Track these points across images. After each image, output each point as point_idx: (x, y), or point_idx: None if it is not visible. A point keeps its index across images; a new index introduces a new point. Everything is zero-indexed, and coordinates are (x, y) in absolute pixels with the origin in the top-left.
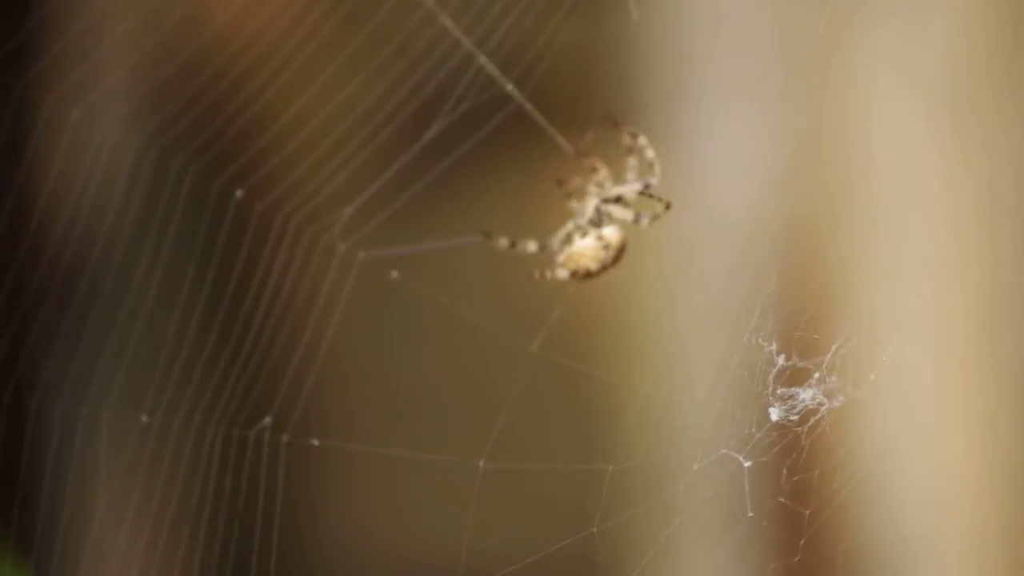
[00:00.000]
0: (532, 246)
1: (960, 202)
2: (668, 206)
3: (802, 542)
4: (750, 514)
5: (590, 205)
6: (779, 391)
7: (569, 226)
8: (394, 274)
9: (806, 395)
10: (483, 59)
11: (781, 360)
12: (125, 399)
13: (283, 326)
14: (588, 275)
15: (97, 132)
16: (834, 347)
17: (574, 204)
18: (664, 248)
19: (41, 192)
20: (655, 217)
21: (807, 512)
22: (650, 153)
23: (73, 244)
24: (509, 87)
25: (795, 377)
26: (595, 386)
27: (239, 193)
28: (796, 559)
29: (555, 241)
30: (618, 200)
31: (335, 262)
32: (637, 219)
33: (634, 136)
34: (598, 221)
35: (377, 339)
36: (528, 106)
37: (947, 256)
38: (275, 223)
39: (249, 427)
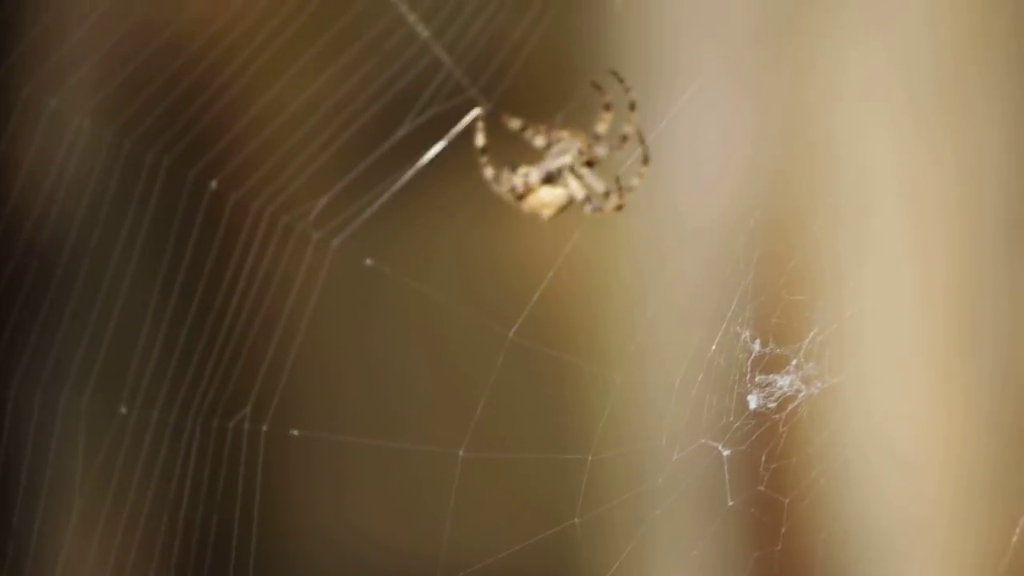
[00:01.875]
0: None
1: (942, 191)
2: (619, 207)
3: (783, 531)
4: (731, 503)
5: (559, 161)
6: (757, 378)
7: (530, 165)
8: (368, 261)
9: (784, 381)
10: (451, 64)
11: (757, 346)
12: (103, 390)
13: (258, 315)
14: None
15: (73, 121)
16: (812, 333)
17: (561, 139)
18: (639, 238)
19: (17, 179)
20: (597, 209)
21: (786, 500)
22: (627, 127)
23: (48, 232)
24: (473, 92)
25: (773, 364)
26: (575, 374)
27: (214, 184)
28: (777, 548)
29: (516, 177)
30: (582, 175)
31: (309, 250)
32: (586, 201)
33: (608, 108)
34: (556, 176)
35: (354, 327)
36: (493, 111)
37: (929, 243)
38: (249, 213)
39: (228, 418)
